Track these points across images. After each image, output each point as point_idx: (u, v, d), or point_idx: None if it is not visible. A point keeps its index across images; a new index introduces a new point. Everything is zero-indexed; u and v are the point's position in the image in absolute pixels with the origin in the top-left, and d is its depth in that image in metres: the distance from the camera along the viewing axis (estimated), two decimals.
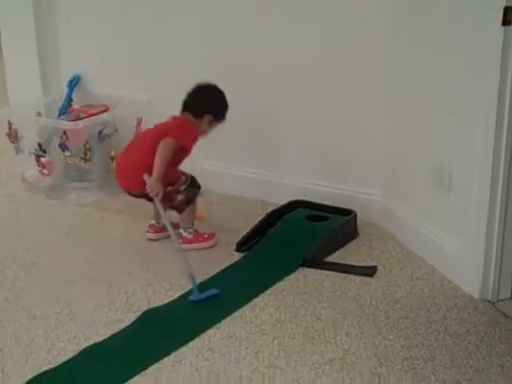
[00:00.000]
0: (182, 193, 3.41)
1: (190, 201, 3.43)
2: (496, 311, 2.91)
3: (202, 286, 3.09)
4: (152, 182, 3.21)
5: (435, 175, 3.21)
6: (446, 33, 3.05)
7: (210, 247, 3.45)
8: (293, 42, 3.73)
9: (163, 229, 3.47)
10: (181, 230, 3.46)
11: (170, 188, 3.34)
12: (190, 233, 3.46)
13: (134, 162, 3.36)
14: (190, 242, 3.45)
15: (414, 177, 3.42)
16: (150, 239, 3.55)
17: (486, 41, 2.76)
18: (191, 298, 3.02)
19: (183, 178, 3.41)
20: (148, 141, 3.34)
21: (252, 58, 3.87)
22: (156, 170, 3.21)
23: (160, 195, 3.22)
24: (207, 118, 3.43)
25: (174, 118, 3.45)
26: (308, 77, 3.73)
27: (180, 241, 3.38)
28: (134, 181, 3.33)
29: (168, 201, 3.37)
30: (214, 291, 3.02)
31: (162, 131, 3.35)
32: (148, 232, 3.57)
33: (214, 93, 3.48)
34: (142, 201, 3.91)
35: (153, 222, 3.57)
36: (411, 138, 3.42)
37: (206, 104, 3.44)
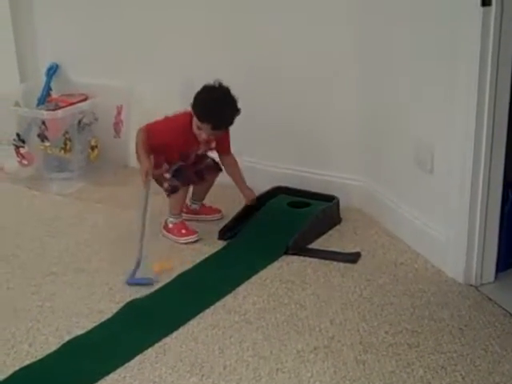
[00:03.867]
0: (167, 181, 3.39)
1: (174, 190, 3.39)
2: (480, 295, 2.90)
3: (185, 275, 3.10)
4: (141, 168, 3.30)
5: (417, 158, 3.20)
6: (423, 13, 3.03)
7: (186, 243, 3.40)
8: (263, 16, 3.73)
9: (194, 211, 3.64)
10: (167, 216, 3.46)
11: (156, 171, 3.37)
12: (171, 222, 3.44)
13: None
14: (167, 230, 3.44)
15: (395, 160, 3.41)
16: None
17: (465, 22, 2.74)
18: (128, 280, 3.05)
19: (166, 166, 3.39)
20: None
21: (227, 45, 3.87)
22: (139, 158, 3.33)
23: (149, 174, 3.28)
24: (206, 125, 3.30)
25: (185, 111, 3.39)
26: (286, 60, 3.71)
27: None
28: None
29: (159, 184, 3.43)
30: (149, 279, 3.04)
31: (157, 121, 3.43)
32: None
33: (215, 101, 3.31)
34: (124, 190, 3.91)
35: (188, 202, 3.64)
36: (392, 121, 3.40)
37: (207, 113, 3.30)
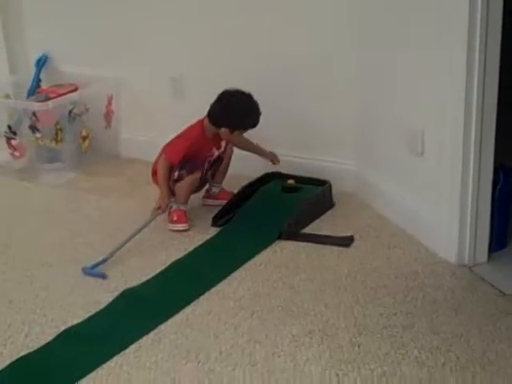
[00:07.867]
0: (175, 171, 3.43)
1: (179, 178, 3.42)
2: (473, 276, 2.92)
3: (179, 262, 3.11)
4: (158, 201, 3.41)
5: (408, 142, 3.20)
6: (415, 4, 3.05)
7: (172, 230, 3.41)
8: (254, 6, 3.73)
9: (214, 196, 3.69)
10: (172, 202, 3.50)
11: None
12: (171, 207, 3.46)
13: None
14: (168, 213, 3.46)
15: (387, 144, 3.41)
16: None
17: (453, 8, 2.74)
18: (85, 268, 3.07)
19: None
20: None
21: (215, 23, 3.87)
22: (159, 189, 3.45)
23: (161, 210, 3.40)
24: (224, 129, 3.41)
25: (198, 121, 3.48)
26: (278, 48, 3.71)
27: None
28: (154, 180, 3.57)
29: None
30: (102, 274, 3.05)
31: (172, 140, 3.49)
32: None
33: (234, 105, 3.40)
34: (116, 180, 3.91)
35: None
36: (383, 104, 3.41)
37: (222, 117, 3.41)
